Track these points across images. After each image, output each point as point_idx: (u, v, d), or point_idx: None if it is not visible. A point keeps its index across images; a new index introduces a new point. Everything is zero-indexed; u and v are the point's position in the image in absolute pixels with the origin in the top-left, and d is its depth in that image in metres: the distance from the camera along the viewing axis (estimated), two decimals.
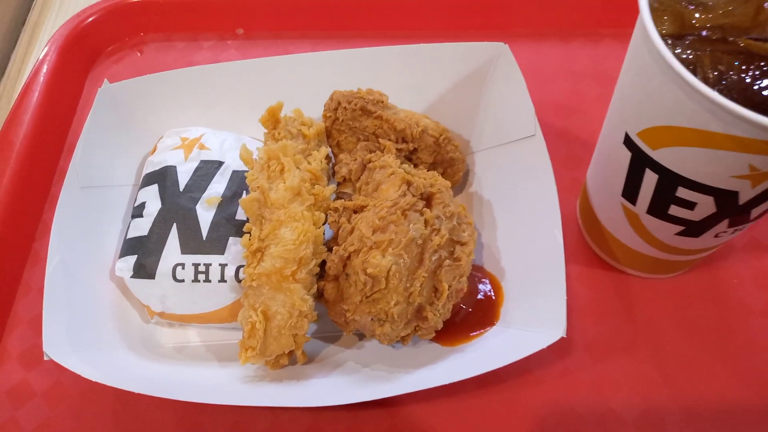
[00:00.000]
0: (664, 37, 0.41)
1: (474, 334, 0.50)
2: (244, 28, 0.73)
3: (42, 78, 0.65)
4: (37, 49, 0.75)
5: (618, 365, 0.53)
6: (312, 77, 0.58)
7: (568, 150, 0.64)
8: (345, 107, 0.53)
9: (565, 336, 0.43)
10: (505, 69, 0.55)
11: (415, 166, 0.55)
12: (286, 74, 0.59)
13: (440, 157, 0.55)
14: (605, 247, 0.56)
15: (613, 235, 0.53)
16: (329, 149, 0.56)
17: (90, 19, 0.70)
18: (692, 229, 0.46)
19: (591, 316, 0.55)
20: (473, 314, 0.51)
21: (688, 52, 0.39)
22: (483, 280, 0.53)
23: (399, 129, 0.53)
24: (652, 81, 0.39)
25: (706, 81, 0.39)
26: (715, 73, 0.39)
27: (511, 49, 0.69)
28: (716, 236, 0.48)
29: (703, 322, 0.55)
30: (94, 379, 0.43)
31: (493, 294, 0.52)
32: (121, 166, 0.56)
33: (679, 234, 0.48)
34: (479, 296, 0.52)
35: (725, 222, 0.45)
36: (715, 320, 0.55)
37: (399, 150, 0.53)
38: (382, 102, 0.53)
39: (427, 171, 0.55)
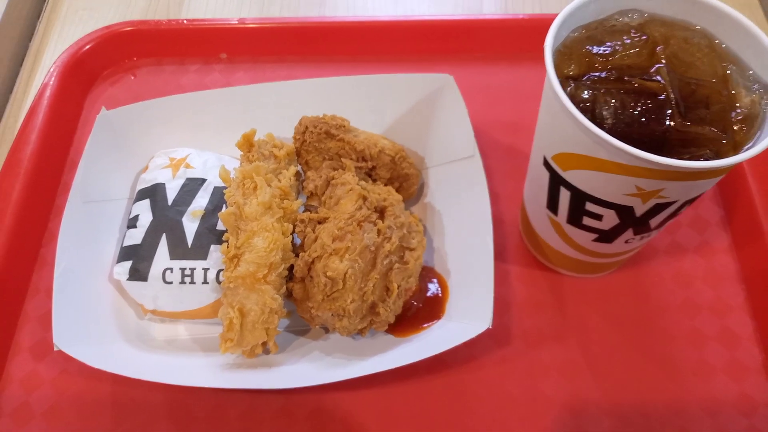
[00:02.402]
0: (568, 77, 0.49)
1: (424, 326, 0.58)
2: (227, 53, 0.81)
3: (45, 101, 0.73)
4: (40, 73, 0.82)
5: (549, 353, 0.61)
6: (285, 103, 0.66)
7: (513, 163, 0.72)
8: (312, 131, 0.61)
9: (491, 327, 0.51)
10: (450, 97, 0.63)
11: (374, 181, 0.63)
12: (263, 100, 0.67)
13: (396, 173, 0.63)
14: (540, 250, 0.64)
15: (545, 241, 0.61)
16: (299, 167, 0.64)
17: (87, 47, 0.77)
18: (604, 236, 0.55)
19: (527, 310, 0.63)
20: (423, 309, 0.59)
21: (588, 91, 0.48)
22: (432, 279, 0.62)
23: (359, 150, 0.61)
24: (557, 116, 0.47)
25: (601, 116, 0.47)
26: (608, 109, 0.47)
27: (466, 71, 0.77)
28: (626, 242, 0.56)
29: (625, 315, 0.63)
30: (96, 366, 0.51)
31: (440, 292, 0.60)
32: (117, 182, 0.64)
33: (595, 240, 0.56)
34: (428, 294, 0.61)
35: (630, 231, 0.53)
36: (636, 314, 0.63)
37: (359, 168, 0.61)
38: (344, 126, 0.61)
39: (384, 186, 0.63)
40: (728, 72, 0.49)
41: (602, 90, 0.47)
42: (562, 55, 0.50)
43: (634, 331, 0.62)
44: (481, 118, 0.75)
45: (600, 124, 0.46)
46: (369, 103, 0.66)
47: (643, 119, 0.46)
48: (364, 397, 0.57)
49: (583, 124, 0.43)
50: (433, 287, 0.61)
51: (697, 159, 0.45)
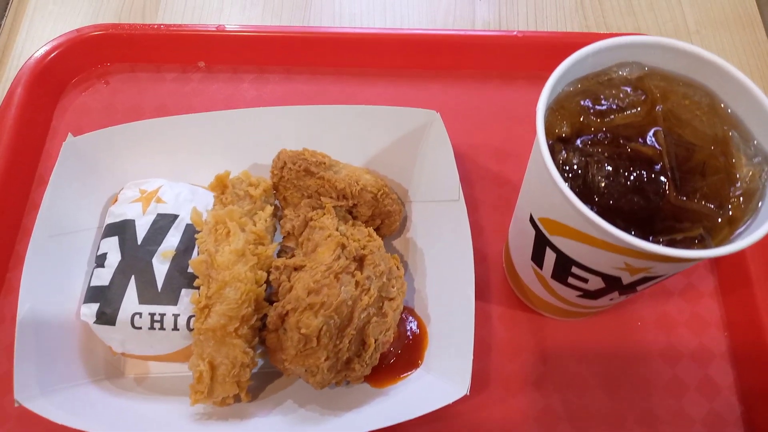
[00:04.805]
0: (560, 139, 0.46)
1: (402, 376, 0.57)
2: (205, 61, 0.77)
3: (11, 111, 0.69)
4: (7, 72, 0.78)
5: (528, 400, 0.60)
6: (266, 130, 0.63)
7: (499, 193, 0.69)
8: (290, 167, 0.58)
9: (467, 394, 0.50)
10: (436, 135, 0.60)
11: (355, 218, 0.61)
12: (242, 126, 0.63)
13: (378, 210, 0.60)
14: (523, 292, 0.62)
15: (528, 286, 0.60)
16: (277, 201, 0.61)
17: (55, 52, 0.72)
18: (589, 294, 0.53)
19: (508, 354, 0.62)
20: (401, 357, 0.58)
21: (579, 157, 0.45)
22: (412, 320, 0.60)
23: (339, 188, 0.58)
24: (546, 185, 0.45)
25: (592, 185, 0.44)
26: (600, 178, 0.44)
27: (455, 88, 0.74)
28: (611, 299, 0.54)
29: (607, 362, 0.62)
30: (59, 422, 0.49)
31: (419, 335, 0.59)
32: (86, 211, 0.61)
33: (580, 296, 0.54)
34: (408, 334, 0.59)
35: (616, 293, 0.51)
36: (617, 360, 0.62)
37: (339, 206, 0.59)
38: (324, 163, 0.58)
39: (366, 222, 0.61)
40: (729, 135, 0.47)
41: (594, 157, 0.45)
42: (554, 113, 0.47)
43: (615, 379, 0.61)
44: (468, 142, 0.72)
45: (590, 194, 0.44)
46: (353, 134, 0.63)
47: (637, 190, 0.44)
48: None
49: (573, 204, 0.41)
50: (412, 327, 0.59)
51: (691, 236, 0.43)
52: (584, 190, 0.44)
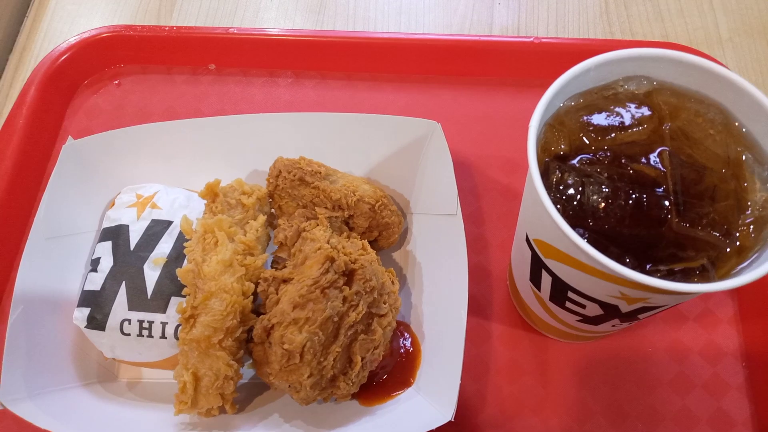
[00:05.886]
0: (558, 156, 0.44)
1: (392, 394, 0.55)
2: (216, 63, 0.76)
3: (24, 112, 0.69)
4: (25, 72, 0.79)
5: (525, 424, 0.57)
6: (265, 136, 0.62)
7: (508, 207, 0.67)
8: (285, 176, 0.56)
9: (453, 420, 0.48)
10: (436, 146, 0.58)
11: (352, 229, 0.59)
12: (241, 132, 0.62)
13: (376, 221, 0.59)
14: (525, 312, 0.59)
15: (530, 307, 0.57)
16: (273, 210, 0.60)
17: (68, 53, 0.73)
18: (589, 320, 0.50)
19: (507, 376, 0.59)
20: (392, 374, 0.56)
21: (577, 177, 0.42)
22: (406, 337, 0.58)
23: (335, 198, 0.56)
24: (537, 204, 0.42)
25: (588, 207, 0.42)
26: (597, 201, 0.42)
27: (468, 96, 0.72)
28: (613, 326, 0.51)
29: (611, 389, 0.58)
30: (43, 427, 0.49)
31: (412, 352, 0.57)
32: (85, 214, 0.61)
33: (580, 321, 0.51)
34: (401, 352, 0.57)
35: (617, 320, 0.48)
36: (623, 388, 0.59)
37: (335, 217, 0.57)
38: (320, 172, 0.57)
39: (363, 234, 0.59)
40: (743, 158, 0.43)
41: (591, 177, 0.42)
42: (552, 130, 0.45)
43: (620, 407, 0.58)
44: (479, 152, 0.70)
45: (585, 217, 0.41)
46: (355, 142, 0.61)
47: (635, 215, 0.41)
48: None
49: (560, 227, 0.38)
50: (406, 345, 0.57)
51: (692, 267, 0.40)
52: (579, 212, 0.41)
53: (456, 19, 0.81)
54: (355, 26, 0.81)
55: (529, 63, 0.73)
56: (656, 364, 0.59)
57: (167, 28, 0.75)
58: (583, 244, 0.38)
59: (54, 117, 0.73)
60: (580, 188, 0.42)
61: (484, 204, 0.67)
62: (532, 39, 0.73)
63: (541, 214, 0.42)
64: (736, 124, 0.44)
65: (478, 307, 0.62)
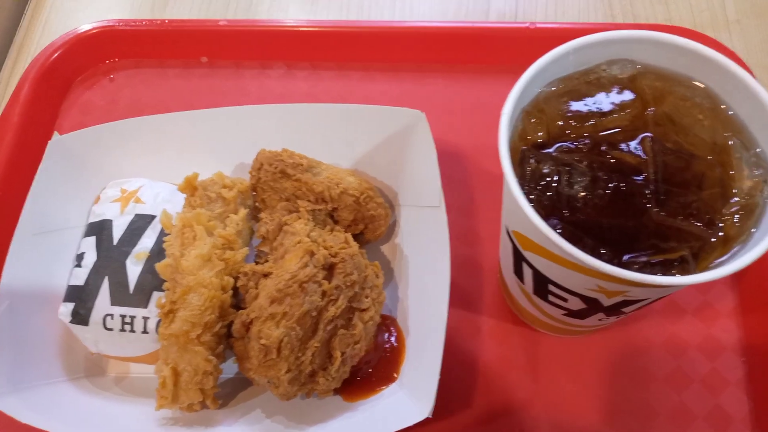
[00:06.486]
0: (535, 145, 0.42)
1: (376, 389, 0.54)
2: (208, 56, 0.76)
3: (18, 108, 0.70)
4: (22, 70, 0.79)
5: (514, 420, 0.56)
6: (251, 128, 0.61)
7: (500, 198, 0.65)
8: (267, 169, 0.56)
9: (430, 417, 0.47)
10: (420, 137, 0.57)
11: (337, 222, 0.58)
12: (227, 124, 0.62)
13: (361, 214, 0.58)
14: (515, 306, 0.58)
15: (518, 301, 0.56)
16: (256, 203, 0.59)
17: (62, 50, 0.73)
18: (574, 314, 0.48)
19: (496, 370, 0.58)
20: (376, 369, 0.55)
21: (553, 165, 0.41)
22: (392, 331, 0.57)
23: (317, 191, 0.56)
24: (510, 195, 0.40)
25: (565, 197, 0.40)
26: (574, 190, 0.40)
27: (462, 84, 0.70)
28: (600, 320, 0.49)
29: (604, 384, 0.57)
30: (24, 421, 0.50)
31: (396, 347, 0.56)
32: (72, 209, 0.61)
33: (565, 315, 0.50)
34: (386, 347, 0.56)
35: (602, 314, 0.47)
36: (616, 383, 0.57)
37: (319, 210, 0.56)
38: (302, 165, 0.56)
39: (348, 227, 0.58)
40: (730, 143, 0.41)
41: (567, 166, 0.40)
42: (529, 117, 0.43)
43: (613, 403, 0.56)
44: (473, 142, 0.68)
45: (560, 207, 0.40)
46: (339, 134, 0.60)
47: (612, 205, 0.39)
48: None
49: (530, 218, 0.37)
50: (391, 340, 0.56)
51: (671, 258, 0.38)
52: (554, 203, 0.40)
53: (452, 6, 0.79)
54: (349, 15, 0.80)
55: (525, 50, 0.70)
56: (652, 359, 0.57)
57: (159, 22, 0.75)
58: (553, 235, 0.36)
59: (48, 113, 0.73)
60: (556, 177, 0.40)
61: (477, 195, 0.65)
62: (527, 25, 0.71)
63: (515, 205, 0.40)
64: (723, 107, 0.42)
65: (468, 300, 0.61)
